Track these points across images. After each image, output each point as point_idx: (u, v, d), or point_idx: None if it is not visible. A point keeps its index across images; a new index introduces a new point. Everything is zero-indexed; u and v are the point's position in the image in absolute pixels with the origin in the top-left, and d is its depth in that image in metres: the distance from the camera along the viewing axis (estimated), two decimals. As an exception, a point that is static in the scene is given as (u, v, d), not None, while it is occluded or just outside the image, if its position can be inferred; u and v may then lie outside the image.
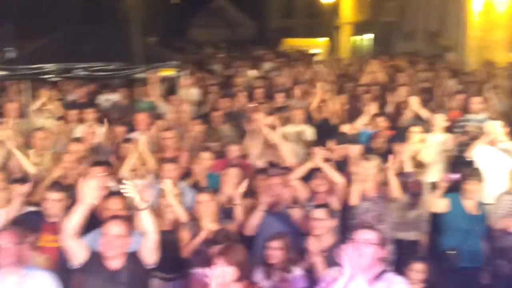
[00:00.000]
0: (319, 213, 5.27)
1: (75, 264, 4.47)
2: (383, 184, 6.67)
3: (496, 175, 7.19)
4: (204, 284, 4.59)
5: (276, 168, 7.19)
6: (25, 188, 5.92)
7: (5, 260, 4.31)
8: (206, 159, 7.42)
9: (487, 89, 11.88)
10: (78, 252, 4.47)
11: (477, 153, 7.79)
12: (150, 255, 4.57)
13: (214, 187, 6.61)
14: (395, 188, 6.54)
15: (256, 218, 5.73)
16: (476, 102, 9.59)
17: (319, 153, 6.67)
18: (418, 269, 5.55)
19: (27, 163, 7.27)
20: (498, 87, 12.02)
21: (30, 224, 5.30)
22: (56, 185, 5.81)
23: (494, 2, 17.58)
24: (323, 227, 5.23)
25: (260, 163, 7.27)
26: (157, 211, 5.97)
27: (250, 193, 6.65)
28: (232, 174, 6.58)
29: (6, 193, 6.13)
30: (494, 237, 6.41)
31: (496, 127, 7.64)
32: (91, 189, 4.33)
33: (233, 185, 6.44)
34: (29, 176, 6.85)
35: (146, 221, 4.46)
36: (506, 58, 16.98)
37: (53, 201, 5.60)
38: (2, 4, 26.02)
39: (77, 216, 4.39)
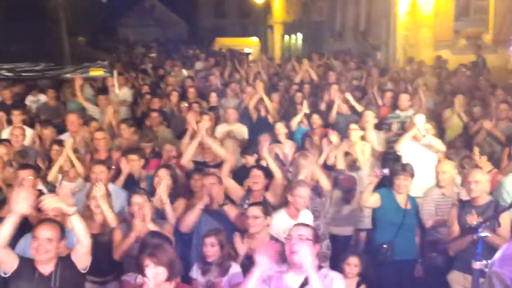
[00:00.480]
0: (255, 210, 5.27)
1: (6, 273, 4.31)
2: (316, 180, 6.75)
3: (422, 169, 7.39)
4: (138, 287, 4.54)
5: (209, 166, 7.17)
6: None
7: None
8: (135, 160, 7.29)
9: (415, 86, 12.25)
10: (7, 261, 4.31)
11: (404, 148, 8.00)
12: (82, 260, 4.46)
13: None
14: (324, 182, 6.62)
15: (193, 216, 5.69)
16: (404, 99, 9.85)
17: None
18: (353, 263, 5.67)
19: None
20: (426, 85, 12.41)
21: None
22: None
23: (419, 1, 18.13)
24: (258, 224, 5.24)
25: (190, 164, 7.19)
26: (88, 214, 5.85)
27: (187, 192, 6.62)
28: (163, 174, 6.50)
29: None
30: (425, 231, 6.59)
31: (421, 122, 7.87)
32: (22, 199, 4.17)
33: (163, 185, 6.37)
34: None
35: (77, 226, 4.35)
36: (432, 55, 17.55)
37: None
38: None
39: (7, 227, 4.22)
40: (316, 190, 6.60)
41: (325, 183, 6.64)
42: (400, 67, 16.37)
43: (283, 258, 4.11)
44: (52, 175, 7.04)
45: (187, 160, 7.06)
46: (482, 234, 4.27)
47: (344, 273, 5.62)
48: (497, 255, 1.05)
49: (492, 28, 18.93)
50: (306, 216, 6.00)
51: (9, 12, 16.64)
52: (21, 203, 4.15)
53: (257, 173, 6.53)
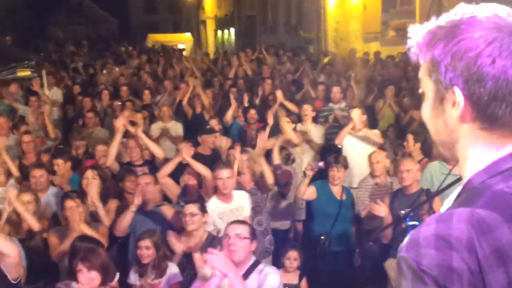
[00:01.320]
0: (191, 208, 5.23)
1: None
2: (258, 175, 6.75)
3: (361, 161, 7.52)
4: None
5: (136, 166, 7.07)
6: None
7: None
8: (60, 165, 7.08)
9: (347, 78, 12.45)
10: None
11: (344, 142, 8.11)
12: (13, 270, 4.29)
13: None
14: (268, 176, 6.64)
15: (126, 219, 5.60)
16: (336, 91, 9.98)
17: (185, 148, 6.65)
18: (292, 257, 5.72)
19: None
20: (357, 77, 12.62)
21: None
22: None
23: (348, -6, 18.48)
24: (196, 222, 5.21)
25: (115, 165, 7.05)
26: (15, 219, 5.68)
27: (117, 194, 6.51)
28: (90, 175, 6.37)
29: None
30: (361, 220, 6.70)
31: (358, 115, 7.99)
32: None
33: (93, 187, 6.25)
34: None
35: None
36: (362, 47, 17.90)
37: None
38: None
39: None
40: (258, 185, 6.62)
41: (270, 178, 6.66)
42: (331, 59, 16.60)
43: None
44: None
45: (111, 161, 6.94)
46: (410, 223, 4.37)
47: (285, 267, 5.68)
48: (405, 240, 1.08)
49: (419, 19, 19.45)
50: (240, 197, 6.05)
51: None
52: None
53: (191, 171, 6.51)
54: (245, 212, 6.02)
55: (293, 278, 5.73)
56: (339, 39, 18.71)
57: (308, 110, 8.99)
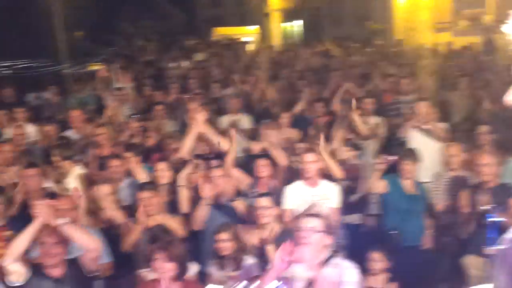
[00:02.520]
0: (264, 201, 5.24)
1: (18, 282, 4.27)
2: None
3: (427, 154, 7.35)
4: (147, 283, 4.53)
5: (209, 158, 7.11)
6: None
7: None
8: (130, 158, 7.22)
9: (417, 70, 12.18)
10: (20, 272, 4.27)
11: (409, 134, 7.96)
12: (92, 263, 4.42)
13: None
14: (335, 169, 6.58)
15: (202, 212, 5.66)
16: (405, 83, 9.80)
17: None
18: (375, 258, 5.55)
19: None
20: (426, 68, 12.34)
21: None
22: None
23: (418, -16, 18.05)
24: (268, 215, 5.21)
25: (189, 157, 7.12)
26: (94, 208, 5.86)
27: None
28: (161, 168, 6.46)
29: None
30: (437, 215, 6.55)
31: (425, 108, 7.83)
32: (42, 210, 4.16)
33: (164, 179, 6.34)
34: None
35: (73, 235, 4.30)
36: (432, 38, 17.47)
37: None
38: None
39: (25, 240, 4.21)
40: (329, 179, 6.57)
41: (337, 172, 6.60)
42: (400, 51, 16.29)
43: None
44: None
45: (185, 152, 7.00)
46: (494, 218, 4.22)
47: (369, 269, 5.51)
48: (509, 234, 1.01)
49: (491, 8, 18.84)
50: (328, 186, 6.02)
51: (5, 10, 16.61)
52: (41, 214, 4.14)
53: (262, 162, 6.51)
54: (331, 202, 5.96)
55: (378, 281, 5.51)
56: (408, 29, 18.31)
57: (369, 103, 8.89)
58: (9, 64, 11.67)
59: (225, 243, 4.98)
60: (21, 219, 5.03)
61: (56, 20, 14.09)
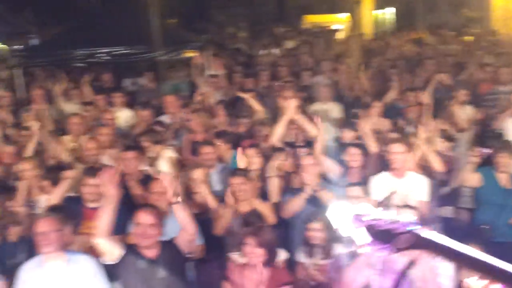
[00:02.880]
0: (355, 191, 5.25)
1: (112, 260, 4.47)
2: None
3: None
4: (237, 267, 4.64)
5: (298, 147, 7.14)
6: (70, 174, 5.97)
7: (47, 246, 4.38)
8: (220, 145, 7.37)
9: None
10: (112, 250, 4.47)
11: (506, 125, 7.70)
12: (187, 245, 4.56)
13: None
14: (435, 161, 6.45)
15: (297, 204, 5.70)
16: (504, 73, 9.45)
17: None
18: None
19: (62, 149, 7.33)
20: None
21: (70, 210, 5.36)
22: (93, 170, 5.80)
23: (518, -30, 17.25)
24: (360, 205, 5.21)
25: (280, 144, 7.17)
26: (188, 193, 6.05)
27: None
28: (251, 154, 6.59)
29: (41, 181, 6.22)
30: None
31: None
32: (109, 183, 4.33)
33: (255, 165, 6.49)
34: (66, 163, 6.90)
35: (180, 215, 4.44)
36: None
37: (90, 187, 5.64)
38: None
39: (107, 214, 4.39)
40: (427, 171, 6.47)
41: (437, 164, 6.48)
42: (498, 39, 15.65)
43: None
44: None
45: (275, 140, 7.06)
46: None
47: None
48: None
49: None
50: (416, 179, 5.94)
51: None
52: (110, 188, 4.30)
53: (353, 151, 6.49)
54: (419, 195, 5.89)
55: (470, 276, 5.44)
56: (507, 17, 17.55)
57: (463, 94, 8.65)
58: (107, 50, 12.13)
59: (316, 232, 5.02)
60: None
61: (151, 8, 14.46)
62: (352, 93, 10.50)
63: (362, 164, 6.44)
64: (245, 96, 8.84)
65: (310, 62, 13.65)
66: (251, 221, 4.93)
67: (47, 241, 4.37)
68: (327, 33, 21.86)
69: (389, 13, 29.85)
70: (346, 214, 2.04)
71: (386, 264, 3.74)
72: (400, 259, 3.72)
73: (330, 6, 36.78)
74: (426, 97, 8.31)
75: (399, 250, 1.97)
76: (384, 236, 2.01)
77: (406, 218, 1.99)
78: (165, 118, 8.73)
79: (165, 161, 7.15)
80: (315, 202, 5.81)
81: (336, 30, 24.09)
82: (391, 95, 9.63)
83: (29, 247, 5.23)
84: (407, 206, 4.41)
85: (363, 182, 5.82)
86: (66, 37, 13.44)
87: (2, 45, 25.32)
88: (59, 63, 12.39)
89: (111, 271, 4.66)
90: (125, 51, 12.02)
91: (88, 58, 11.73)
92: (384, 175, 6.06)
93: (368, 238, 2.01)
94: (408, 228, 1.96)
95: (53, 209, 5.09)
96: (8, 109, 9.78)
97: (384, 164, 6.28)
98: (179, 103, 9.17)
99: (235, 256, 4.97)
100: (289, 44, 18.78)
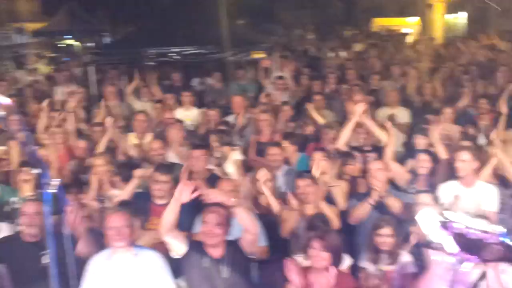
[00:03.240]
0: (423, 198, 5.14)
1: (176, 255, 4.53)
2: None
3: None
4: (302, 269, 4.62)
5: (365, 151, 7.04)
6: (142, 171, 6.09)
7: (118, 240, 4.49)
8: (287, 146, 7.34)
9: None
10: (176, 245, 4.52)
11: None
12: (251, 246, 4.57)
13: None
14: (510, 171, 6.24)
15: (363, 210, 5.63)
16: None
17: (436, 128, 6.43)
18: None
19: (130, 146, 7.50)
20: None
21: (139, 205, 5.48)
22: (164, 167, 5.90)
23: None
24: (428, 213, 5.09)
25: (346, 148, 7.07)
26: (253, 194, 6.08)
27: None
28: (318, 157, 6.55)
29: (112, 176, 6.39)
30: None
31: None
32: (183, 190, 4.38)
33: (319, 168, 6.45)
34: (136, 159, 7.06)
35: (241, 217, 4.45)
36: None
37: (160, 183, 5.73)
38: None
39: (172, 213, 4.45)
40: (503, 181, 6.27)
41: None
42: None
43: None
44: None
45: (342, 143, 6.98)
46: None
47: None
48: None
49: None
50: (485, 188, 5.79)
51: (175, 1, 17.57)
52: (182, 194, 4.35)
53: (423, 157, 6.36)
54: (487, 205, 5.73)
55: None
56: None
57: None
58: (177, 50, 12.32)
59: (385, 238, 4.94)
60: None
61: (220, 9, 14.61)
62: (421, 98, 10.28)
63: (431, 171, 6.30)
64: (309, 107, 8.78)
65: (379, 66, 13.47)
66: (317, 224, 4.89)
67: (118, 235, 4.48)
68: (397, 36, 21.52)
69: (461, 18, 29.15)
70: (436, 221, 1.99)
71: (458, 275, 3.65)
72: (473, 271, 3.62)
73: (400, 9, 36.20)
74: (503, 106, 8.08)
75: (487, 261, 1.90)
76: (473, 245, 1.94)
77: (497, 229, 1.92)
78: (231, 118, 8.79)
79: (231, 162, 7.20)
80: (381, 208, 5.72)
81: (406, 34, 23.68)
82: (463, 101, 9.38)
83: (98, 240, 5.39)
84: (479, 216, 4.26)
85: (432, 190, 5.68)
86: (138, 36, 13.75)
87: (76, 43, 26.23)
88: (130, 61, 12.69)
89: (176, 267, 4.73)
90: (194, 51, 12.15)
91: (159, 57, 11.92)
92: (452, 183, 5.91)
93: (456, 247, 1.95)
94: (501, 239, 1.88)
95: (123, 204, 5.20)
96: (80, 105, 10.08)
97: (454, 172, 6.12)
98: (246, 103, 9.22)
99: (299, 259, 4.94)
100: (357, 47, 18.60)
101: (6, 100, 2.74)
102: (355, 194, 6.12)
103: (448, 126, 8.04)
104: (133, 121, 8.40)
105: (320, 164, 6.36)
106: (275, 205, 5.88)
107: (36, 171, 3.19)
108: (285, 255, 5.57)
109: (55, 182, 3.07)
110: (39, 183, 3.12)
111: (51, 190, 3.06)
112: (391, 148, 6.61)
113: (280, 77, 11.33)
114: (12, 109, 2.73)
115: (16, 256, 5.04)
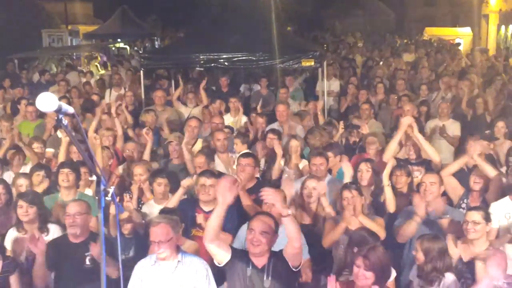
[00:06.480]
0: (475, 216, 4.97)
1: (220, 263, 4.50)
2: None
3: None
4: (344, 284, 4.53)
5: (412, 164, 6.87)
6: (188, 182, 6.11)
7: (162, 253, 4.50)
8: (330, 157, 7.21)
9: None
10: (220, 253, 4.50)
11: None
12: (294, 258, 4.51)
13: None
14: None
15: (411, 228, 5.49)
16: None
17: (476, 147, 6.27)
18: None
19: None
20: None
21: (183, 212, 5.49)
22: (209, 173, 5.89)
23: None
24: (478, 231, 4.94)
25: (393, 161, 6.90)
26: (301, 203, 6.00)
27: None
28: (364, 168, 6.47)
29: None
30: None
31: None
32: (228, 190, 4.32)
33: (364, 180, 6.38)
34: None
35: (289, 228, 4.37)
36: None
37: (206, 189, 5.71)
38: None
39: (216, 219, 4.41)
40: None
41: None
42: None
43: None
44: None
45: (389, 155, 6.81)
46: None
47: None
48: None
49: None
50: None
51: (222, 3, 17.67)
52: (226, 195, 4.30)
53: (477, 174, 6.19)
54: None
55: None
56: None
57: None
58: (226, 56, 12.33)
59: (428, 253, 4.80)
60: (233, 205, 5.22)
61: (270, 16, 14.62)
62: (473, 111, 10.04)
63: (485, 187, 6.11)
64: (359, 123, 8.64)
65: (429, 77, 13.26)
66: (361, 241, 4.77)
67: (161, 248, 4.50)
68: (449, 47, 21.15)
69: (515, 29, 28.48)
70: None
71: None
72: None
73: (453, 19, 35.65)
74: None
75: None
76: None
77: None
78: (275, 126, 8.73)
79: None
80: (430, 224, 5.57)
81: (458, 44, 23.26)
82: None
83: (140, 244, 5.43)
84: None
85: (484, 207, 5.50)
86: (188, 42, 13.84)
87: (124, 46, 26.66)
88: (179, 66, 12.81)
89: (219, 274, 4.70)
90: (243, 58, 12.14)
91: (208, 63, 11.96)
92: (504, 201, 5.72)
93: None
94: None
95: (167, 212, 5.22)
96: (129, 108, 10.21)
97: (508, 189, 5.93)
98: (290, 112, 9.15)
99: (344, 274, 4.83)
100: (408, 57, 18.36)
101: (71, 109, 2.77)
102: (403, 210, 5.95)
103: (501, 140, 7.84)
104: (186, 126, 8.40)
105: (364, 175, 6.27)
106: (331, 214, 5.82)
107: (92, 178, 3.19)
108: (329, 269, 5.50)
109: (110, 189, 3.09)
110: (96, 190, 3.14)
111: (107, 198, 3.09)
112: (441, 162, 6.45)
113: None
114: (74, 117, 2.75)
115: (63, 257, 5.11)
